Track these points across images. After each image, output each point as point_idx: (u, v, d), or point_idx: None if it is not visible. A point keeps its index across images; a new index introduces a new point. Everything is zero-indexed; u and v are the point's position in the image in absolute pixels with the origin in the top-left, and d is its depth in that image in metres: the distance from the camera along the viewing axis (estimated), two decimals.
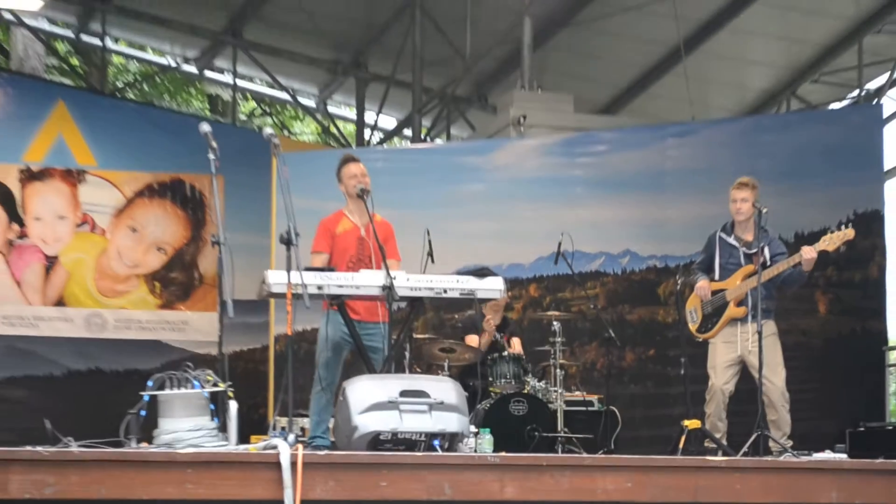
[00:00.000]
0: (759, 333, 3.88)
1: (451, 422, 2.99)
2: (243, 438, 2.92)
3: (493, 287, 3.72)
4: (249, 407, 5.90)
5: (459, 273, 4.27)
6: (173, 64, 8.83)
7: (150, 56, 9.18)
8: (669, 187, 5.73)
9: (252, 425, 4.22)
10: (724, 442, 4.11)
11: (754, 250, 4.15)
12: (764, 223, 4.07)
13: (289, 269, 3.25)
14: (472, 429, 3.46)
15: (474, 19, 6.67)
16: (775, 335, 4.18)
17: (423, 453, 2.88)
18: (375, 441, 2.92)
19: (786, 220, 5.01)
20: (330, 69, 8.30)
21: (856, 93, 7.27)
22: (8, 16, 7.79)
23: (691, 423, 4.04)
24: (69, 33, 8.50)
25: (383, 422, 2.93)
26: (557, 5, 6.89)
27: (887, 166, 6.21)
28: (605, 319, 5.09)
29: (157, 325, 6.71)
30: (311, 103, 9.06)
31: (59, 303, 6.57)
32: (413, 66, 7.31)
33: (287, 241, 3.25)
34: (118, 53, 9.18)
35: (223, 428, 2.88)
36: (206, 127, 3.26)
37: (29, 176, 6.60)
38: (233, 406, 2.88)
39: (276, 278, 3.46)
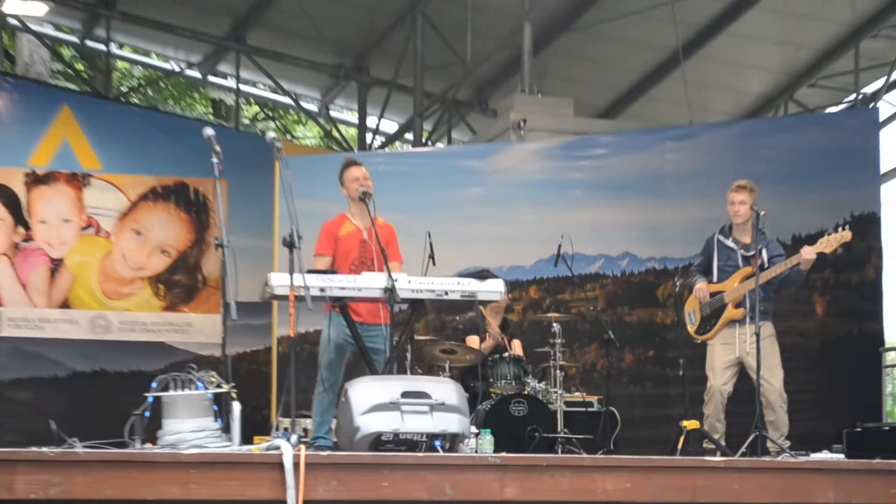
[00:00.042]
0: (757, 335, 3.91)
1: (452, 422, 3.02)
2: (246, 439, 2.94)
3: (493, 289, 3.75)
4: (252, 408, 5.89)
5: (460, 275, 4.28)
6: (177, 69, 8.89)
7: (154, 61, 9.24)
8: (668, 190, 5.75)
9: (255, 426, 4.23)
10: (723, 442, 4.13)
11: (752, 252, 4.17)
12: (762, 226, 4.12)
13: (291, 272, 3.28)
14: (473, 429, 3.48)
15: (475, 24, 6.70)
16: (773, 336, 4.22)
17: (424, 454, 2.90)
18: (377, 442, 2.94)
19: (783, 222, 5.02)
20: (332, 74, 8.35)
21: (853, 97, 7.30)
22: (14, 21, 7.86)
23: (690, 424, 4.07)
24: (74, 39, 8.56)
25: (385, 423, 2.95)
26: (557, 10, 6.93)
27: (884, 169, 6.23)
28: (604, 321, 5.12)
29: (162, 327, 6.74)
30: (313, 108, 9.11)
31: (65, 305, 6.60)
32: (414, 71, 7.36)
33: (290, 244, 3.27)
34: (123, 59, 9.26)
35: (226, 429, 2.90)
36: (209, 131, 3.28)
37: (34, 180, 6.63)
38: (236, 407, 2.90)
39: (279, 280, 3.50)
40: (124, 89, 9.37)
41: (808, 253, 4.07)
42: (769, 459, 3.42)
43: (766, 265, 4.17)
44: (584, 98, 7.40)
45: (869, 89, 7.36)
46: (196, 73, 8.76)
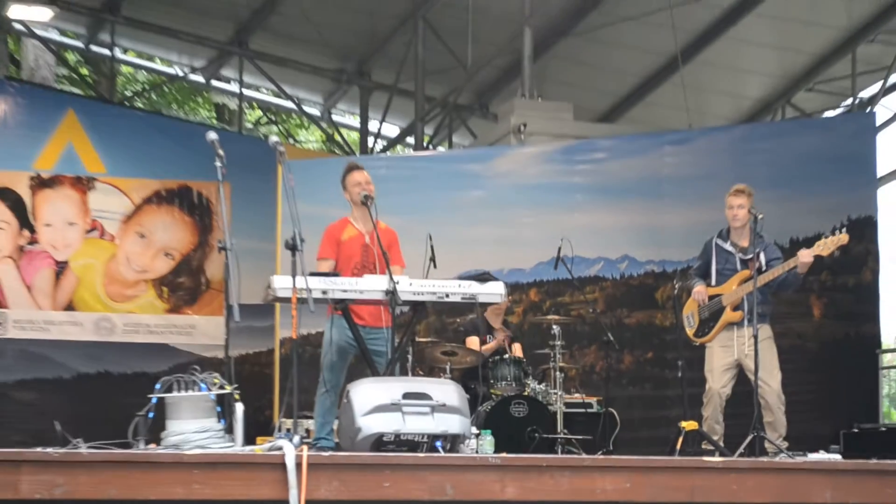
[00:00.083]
0: (755, 337, 3.94)
1: (453, 423, 3.03)
2: (249, 440, 2.95)
3: (494, 291, 3.76)
4: (255, 409, 5.88)
5: (461, 278, 4.31)
6: (181, 73, 8.96)
7: (158, 66, 9.32)
8: (667, 194, 5.78)
9: (258, 427, 4.21)
10: (722, 443, 4.15)
11: (750, 256, 4.19)
12: (759, 229, 4.13)
13: (294, 274, 3.29)
14: (474, 430, 3.48)
15: (475, 30, 6.73)
16: (771, 339, 4.24)
17: (425, 454, 2.91)
18: (379, 442, 2.95)
19: (781, 225, 5.02)
20: (334, 79, 8.41)
21: (849, 101, 7.33)
22: (19, 27, 7.93)
23: (688, 425, 4.09)
24: (79, 44, 8.63)
25: (387, 423, 2.96)
26: (557, 16, 6.97)
27: (880, 173, 6.27)
28: (603, 323, 5.15)
29: (165, 328, 6.77)
30: (315, 112, 9.17)
31: (69, 307, 6.64)
32: (416, 76, 7.40)
33: (292, 247, 3.28)
34: (127, 63, 9.31)
35: (229, 429, 2.91)
36: (212, 135, 3.27)
37: (39, 183, 6.68)
38: (239, 408, 2.91)
39: (282, 283, 3.49)
40: (128, 94, 9.43)
41: (806, 256, 4.10)
42: (767, 460, 3.43)
43: (764, 268, 4.19)
44: (584, 102, 7.42)
45: (866, 94, 7.39)
46: (200, 78, 8.82)
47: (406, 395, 3.02)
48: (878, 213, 5.62)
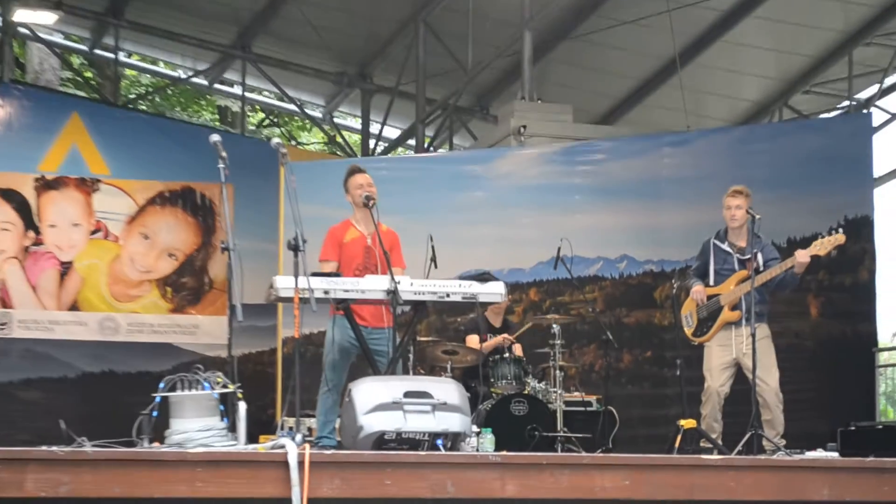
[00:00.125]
0: (753, 336, 3.95)
1: (454, 422, 3.04)
2: (252, 438, 2.95)
3: (494, 291, 3.78)
4: (258, 408, 5.89)
5: (462, 278, 4.33)
6: (184, 76, 9.00)
7: (161, 69, 9.36)
8: (665, 195, 5.81)
9: (260, 426, 4.19)
10: (720, 441, 4.17)
11: (748, 256, 4.20)
12: (757, 229, 4.15)
13: (296, 275, 3.30)
14: (474, 428, 3.47)
15: (476, 33, 6.75)
16: (769, 338, 4.26)
17: (426, 452, 2.92)
18: (380, 441, 2.97)
19: (778, 226, 5.03)
20: (336, 81, 8.44)
21: (846, 103, 7.38)
22: (24, 30, 7.98)
23: (687, 423, 4.12)
24: (83, 47, 8.67)
25: (388, 422, 2.97)
26: (557, 19, 6.98)
27: (876, 174, 6.32)
28: (603, 322, 5.19)
29: (169, 328, 6.80)
30: (317, 114, 9.22)
31: (74, 307, 6.67)
32: (416, 78, 7.44)
33: (294, 248, 3.30)
34: (131, 66, 9.35)
35: (232, 428, 2.92)
36: (215, 137, 3.29)
37: (44, 185, 6.72)
38: (242, 407, 2.92)
39: (284, 283, 3.49)
40: (132, 96, 9.48)
41: (803, 256, 4.12)
42: (765, 458, 3.43)
43: (762, 268, 4.20)
44: (584, 104, 7.46)
45: (862, 95, 7.43)
46: (203, 81, 8.87)
47: (407, 394, 3.04)
48: (875, 212, 5.66)
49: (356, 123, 9.29)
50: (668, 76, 7.29)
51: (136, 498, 2.54)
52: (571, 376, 5.18)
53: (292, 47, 8.01)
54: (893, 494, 2.88)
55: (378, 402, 3.01)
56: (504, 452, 3.12)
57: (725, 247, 4.37)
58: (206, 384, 2.92)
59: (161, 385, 2.92)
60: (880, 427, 4.79)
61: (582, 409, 5.01)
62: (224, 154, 3.29)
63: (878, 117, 7.19)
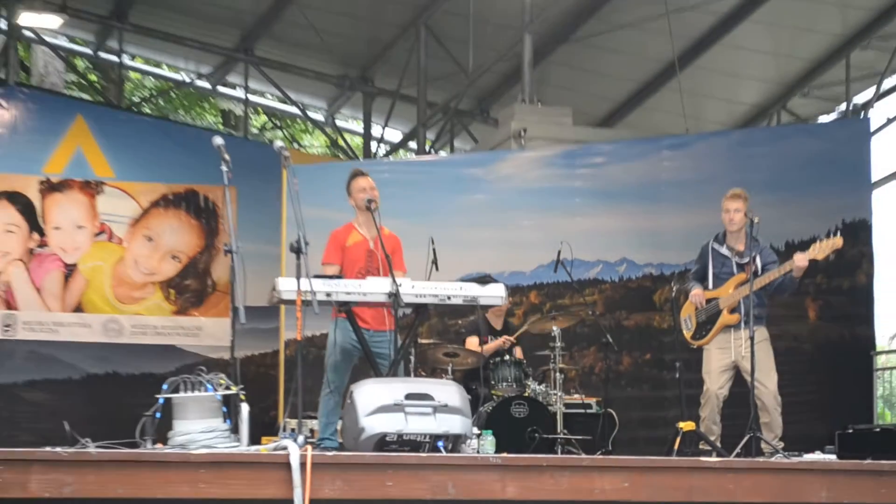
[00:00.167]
0: (752, 339, 3.97)
1: (455, 424, 3.06)
2: (254, 440, 2.97)
3: (494, 294, 3.81)
4: (260, 409, 5.92)
5: (463, 280, 4.28)
6: (188, 80, 9.06)
7: (165, 72, 9.41)
8: (665, 198, 5.82)
9: (263, 427, 4.29)
10: (719, 444, 4.19)
11: (746, 259, 4.23)
12: (755, 233, 4.16)
13: (298, 277, 3.33)
14: (475, 430, 3.51)
15: (477, 36, 6.78)
16: (767, 341, 4.28)
17: (427, 454, 2.93)
18: (382, 442, 2.98)
19: (777, 229, 5.06)
20: (338, 84, 8.48)
21: (844, 106, 7.36)
22: (29, 34, 8.04)
23: (686, 425, 4.14)
24: (88, 50, 8.73)
25: (389, 424, 2.99)
26: (557, 23, 7.03)
27: (874, 177, 6.30)
28: (602, 325, 5.20)
29: (172, 330, 6.82)
30: (319, 117, 9.26)
31: (78, 309, 6.70)
32: (418, 82, 7.49)
33: (297, 250, 3.33)
34: (135, 70, 9.42)
35: (235, 429, 2.94)
36: (219, 140, 3.30)
37: (49, 187, 6.75)
38: (244, 408, 2.94)
39: (286, 285, 3.50)
40: (136, 99, 9.54)
41: (801, 259, 4.14)
42: (763, 460, 3.43)
43: (760, 272, 4.22)
44: (583, 107, 7.49)
45: (860, 99, 7.43)
46: (206, 84, 8.93)
47: (408, 396, 3.05)
48: (873, 216, 5.67)
49: (358, 126, 9.33)
50: (668, 79, 7.31)
51: (139, 499, 2.56)
52: (571, 379, 5.19)
53: (294, 50, 8.05)
54: (891, 497, 2.90)
55: (380, 403, 3.04)
56: (504, 454, 3.13)
57: (724, 250, 4.40)
58: (209, 386, 2.94)
59: (164, 387, 2.94)
60: (878, 430, 4.79)
61: (582, 411, 5.03)
62: (227, 157, 3.31)
63: (875, 121, 7.16)
